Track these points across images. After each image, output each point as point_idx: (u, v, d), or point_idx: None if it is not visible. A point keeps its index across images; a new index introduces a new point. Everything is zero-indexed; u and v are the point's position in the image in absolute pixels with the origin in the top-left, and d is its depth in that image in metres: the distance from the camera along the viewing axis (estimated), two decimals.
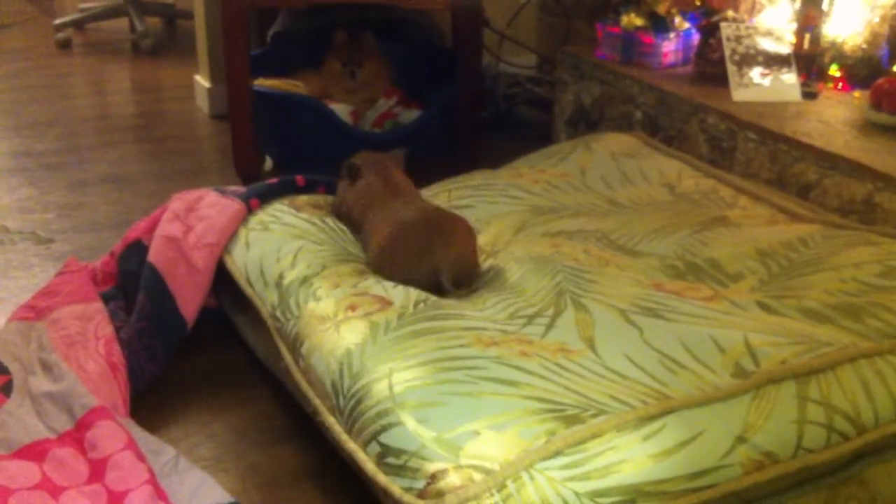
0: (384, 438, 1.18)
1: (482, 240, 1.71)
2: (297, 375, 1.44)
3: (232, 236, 1.77)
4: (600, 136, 2.14)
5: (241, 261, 1.71)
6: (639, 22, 2.43)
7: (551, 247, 1.63)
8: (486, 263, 1.64)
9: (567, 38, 3.09)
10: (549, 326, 1.37)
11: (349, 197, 1.77)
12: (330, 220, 1.75)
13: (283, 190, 1.87)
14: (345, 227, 1.75)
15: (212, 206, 1.82)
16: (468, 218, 1.70)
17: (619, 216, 1.77)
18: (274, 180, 1.90)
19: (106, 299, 1.75)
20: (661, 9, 2.46)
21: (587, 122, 2.50)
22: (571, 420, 1.14)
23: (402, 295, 1.47)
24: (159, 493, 1.32)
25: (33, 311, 1.71)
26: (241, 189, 1.88)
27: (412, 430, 1.16)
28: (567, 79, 2.57)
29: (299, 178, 1.92)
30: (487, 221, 1.77)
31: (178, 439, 1.53)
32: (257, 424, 1.59)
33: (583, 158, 2.00)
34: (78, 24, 3.96)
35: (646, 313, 1.38)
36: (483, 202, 1.85)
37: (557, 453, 1.09)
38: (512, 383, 1.21)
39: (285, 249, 1.65)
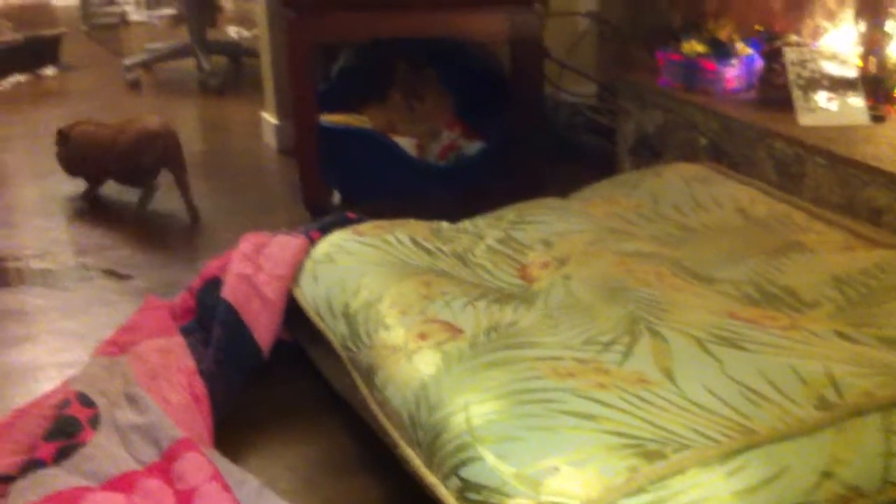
0: (464, 473, 1.19)
1: (554, 252, 1.74)
2: (374, 407, 1.47)
3: (299, 268, 1.81)
4: (670, 165, 2.15)
5: (311, 294, 1.75)
6: (700, 49, 2.43)
7: (623, 268, 1.63)
8: (559, 271, 1.66)
9: (626, 66, 3.09)
10: (626, 354, 1.37)
11: None
12: (390, 236, 1.79)
13: (338, 225, 1.94)
14: (403, 239, 1.78)
15: (277, 244, 1.89)
16: (543, 231, 1.79)
17: (693, 242, 1.76)
18: (328, 218, 2.00)
19: (185, 333, 1.80)
20: (723, 35, 2.46)
21: (651, 150, 2.51)
22: (653, 455, 1.14)
23: (471, 322, 1.49)
24: None
25: (116, 346, 1.76)
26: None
27: (492, 464, 1.17)
28: (629, 107, 2.58)
29: (350, 215, 2.01)
30: (561, 234, 1.79)
31: (255, 471, 1.55)
32: (333, 456, 1.62)
33: (654, 185, 2.00)
34: (147, 65, 4.08)
35: (723, 343, 1.37)
36: (558, 220, 1.88)
37: (640, 490, 1.09)
38: (591, 417, 1.21)
39: (349, 278, 1.69)
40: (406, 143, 2.59)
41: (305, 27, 2.41)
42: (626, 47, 3.15)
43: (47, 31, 4.23)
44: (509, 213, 1.93)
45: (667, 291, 1.55)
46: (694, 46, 2.43)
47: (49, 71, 4.18)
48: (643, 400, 1.25)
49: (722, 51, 2.41)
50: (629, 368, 1.33)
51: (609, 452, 1.14)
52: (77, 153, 2.76)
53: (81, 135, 2.76)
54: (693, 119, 2.35)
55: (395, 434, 1.39)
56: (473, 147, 2.64)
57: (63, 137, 2.77)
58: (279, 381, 1.81)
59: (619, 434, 1.18)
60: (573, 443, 1.17)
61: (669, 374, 1.31)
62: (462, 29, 2.46)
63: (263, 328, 1.76)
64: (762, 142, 2.14)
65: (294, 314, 1.80)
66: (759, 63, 2.40)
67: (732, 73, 2.41)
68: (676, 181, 2.01)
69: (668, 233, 1.84)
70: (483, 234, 1.87)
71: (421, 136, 2.67)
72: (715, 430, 1.19)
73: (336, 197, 2.64)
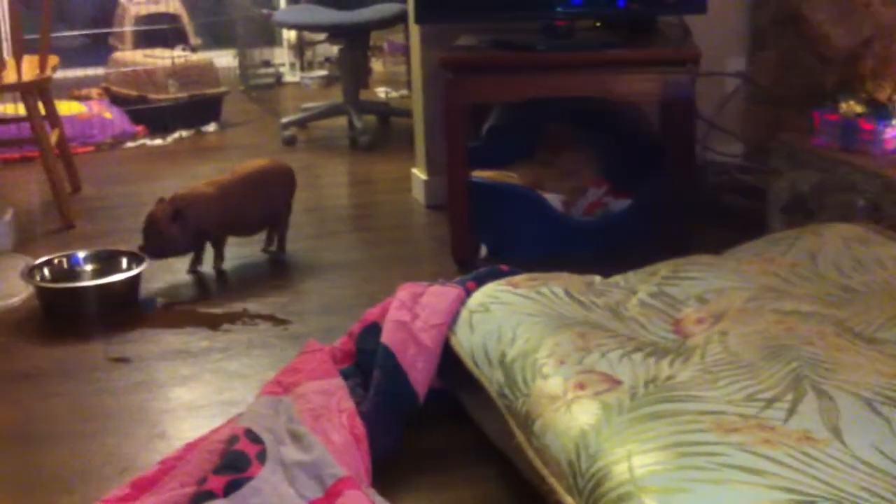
0: None
1: (710, 309, 1.73)
2: (531, 454, 1.49)
3: (456, 316, 1.87)
4: (827, 225, 2.11)
5: (467, 343, 1.80)
6: (858, 109, 2.41)
7: (783, 327, 1.61)
8: (716, 328, 1.65)
9: (775, 126, 3.06)
10: (790, 412, 1.35)
11: None
12: (544, 288, 1.82)
13: (492, 276, 1.98)
14: (558, 291, 1.81)
15: (434, 294, 1.95)
16: (697, 287, 1.78)
17: (855, 303, 1.73)
18: (483, 269, 2.05)
19: (345, 376, 1.88)
20: (882, 95, 2.42)
21: (805, 210, 2.47)
22: None
23: (629, 374, 1.50)
24: None
25: (280, 387, 1.85)
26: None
27: None
28: (781, 167, 2.56)
29: (503, 267, 2.05)
30: (716, 291, 1.79)
31: None
32: (487, 500, 1.65)
33: (812, 244, 1.98)
34: (302, 123, 4.28)
35: (892, 403, 1.34)
36: (713, 276, 1.87)
37: None
38: (758, 472, 1.20)
39: (505, 328, 1.73)
40: (553, 200, 2.64)
41: (461, 88, 2.50)
42: (774, 107, 3.12)
43: (210, 91, 4.50)
44: (662, 268, 1.94)
45: (830, 351, 1.53)
46: (852, 107, 2.41)
47: (210, 127, 4.43)
48: (811, 457, 1.23)
49: (881, 111, 2.38)
50: (794, 426, 1.32)
51: None
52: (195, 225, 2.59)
53: (195, 203, 2.60)
54: (850, 179, 2.31)
55: (552, 481, 1.41)
56: (620, 204, 2.66)
57: (177, 214, 2.54)
58: (433, 426, 1.86)
59: (789, 490, 1.17)
60: (741, 497, 1.16)
61: (837, 433, 1.29)
62: (615, 90, 2.50)
63: (419, 373, 1.82)
64: None
65: (445, 363, 1.85)
66: None
67: (892, 134, 2.36)
68: (835, 241, 1.98)
69: (829, 293, 1.80)
70: (636, 288, 1.88)
71: (568, 192, 2.71)
72: (887, 489, 1.16)
73: (483, 251, 2.70)
